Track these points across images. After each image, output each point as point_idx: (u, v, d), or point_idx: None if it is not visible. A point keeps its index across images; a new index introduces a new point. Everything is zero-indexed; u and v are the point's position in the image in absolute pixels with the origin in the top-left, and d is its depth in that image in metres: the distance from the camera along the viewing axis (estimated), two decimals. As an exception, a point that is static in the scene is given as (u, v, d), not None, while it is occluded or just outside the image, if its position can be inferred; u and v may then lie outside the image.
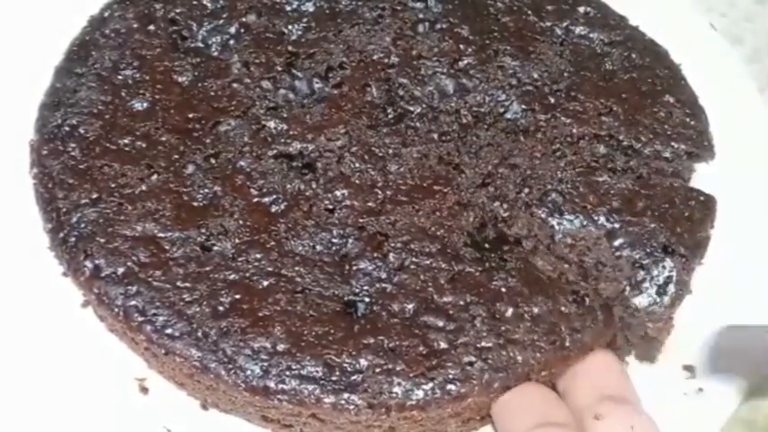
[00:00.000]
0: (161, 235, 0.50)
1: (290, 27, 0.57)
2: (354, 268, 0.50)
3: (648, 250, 0.50)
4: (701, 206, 0.52)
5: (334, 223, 0.51)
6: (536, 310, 0.49)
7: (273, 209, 0.51)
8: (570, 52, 0.57)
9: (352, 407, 0.47)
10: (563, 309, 0.49)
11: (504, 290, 0.49)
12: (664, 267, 0.50)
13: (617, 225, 0.50)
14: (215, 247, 0.50)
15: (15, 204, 0.53)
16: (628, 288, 0.49)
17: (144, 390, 0.51)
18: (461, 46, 0.57)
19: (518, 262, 0.50)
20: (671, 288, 0.49)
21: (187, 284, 0.49)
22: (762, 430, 0.52)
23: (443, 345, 0.48)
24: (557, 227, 0.51)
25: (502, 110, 0.55)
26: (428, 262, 0.50)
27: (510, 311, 0.49)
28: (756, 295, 0.53)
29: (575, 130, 0.54)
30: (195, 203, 0.51)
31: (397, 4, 0.58)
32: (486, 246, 0.51)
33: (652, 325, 0.49)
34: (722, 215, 0.53)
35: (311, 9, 0.57)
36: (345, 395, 0.47)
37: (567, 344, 0.49)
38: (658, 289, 0.49)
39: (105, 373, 0.51)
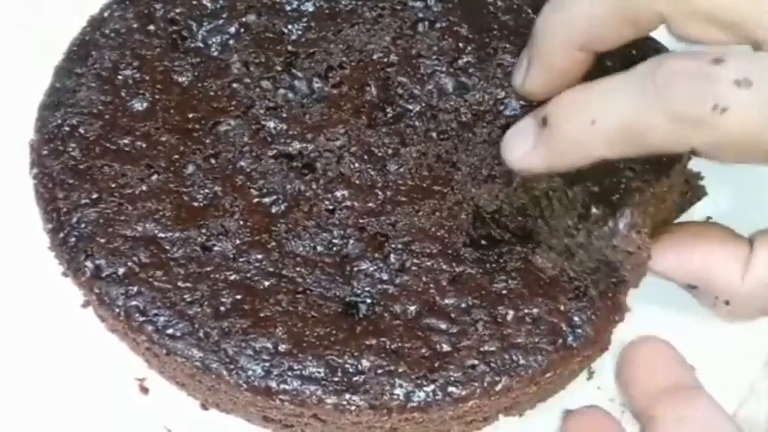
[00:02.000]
0: (161, 235, 0.50)
1: (289, 27, 0.57)
2: (355, 269, 0.50)
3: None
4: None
5: (334, 224, 0.51)
6: (536, 311, 0.49)
7: (274, 209, 0.51)
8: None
9: (353, 407, 0.47)
10: (562, 307, 0.49)
11: (504, 292, 0.49)
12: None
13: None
14: (216, 248, 0.50)
15: (15, 204, 0.54)
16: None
17: (144, 390, 0.51)
18: (461, 44, 0.56)
19: (518, 262, 0.50)
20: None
21: (188, 285, 0.49)
22: None
23: (446, 347, 0.48)
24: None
25: (501, 107, 0.55)
26: (429, 263, 0.50)
27: (511, 314, 0.49)
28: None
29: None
30: (195, 204, 0.51)
31: (397, 3, 0.58)
32: (484, 243, 0.51)
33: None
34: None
35: (311, 9, 0.57)
36: (347, 396, 0.47)
37: (570, 342, 0.49)
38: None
39: (105, 373, 0.51)
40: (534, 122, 0.47)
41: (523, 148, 0.47)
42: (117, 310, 0.49)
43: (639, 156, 0.44)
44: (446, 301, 0.49)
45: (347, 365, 0.47)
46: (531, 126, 0.47)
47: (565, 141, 0.45)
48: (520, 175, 0.50)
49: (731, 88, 0.40)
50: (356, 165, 0.53)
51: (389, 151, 0.53)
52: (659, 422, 0.47)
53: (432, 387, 0.47)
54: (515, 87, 0.53)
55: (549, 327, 0.49)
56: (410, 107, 0.55)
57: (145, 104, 0.54)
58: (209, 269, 0.50)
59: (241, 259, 0.50)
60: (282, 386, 0.47)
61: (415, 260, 0.50)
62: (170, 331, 0.48)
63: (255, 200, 0.51)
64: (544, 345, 0.48)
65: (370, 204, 0.52)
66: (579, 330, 0.49)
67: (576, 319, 0.49)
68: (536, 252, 0.51)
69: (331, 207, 0.51)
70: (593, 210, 0.47)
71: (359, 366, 0.47)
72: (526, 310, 0.49)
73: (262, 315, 0.48)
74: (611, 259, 0.48)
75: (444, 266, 0.50)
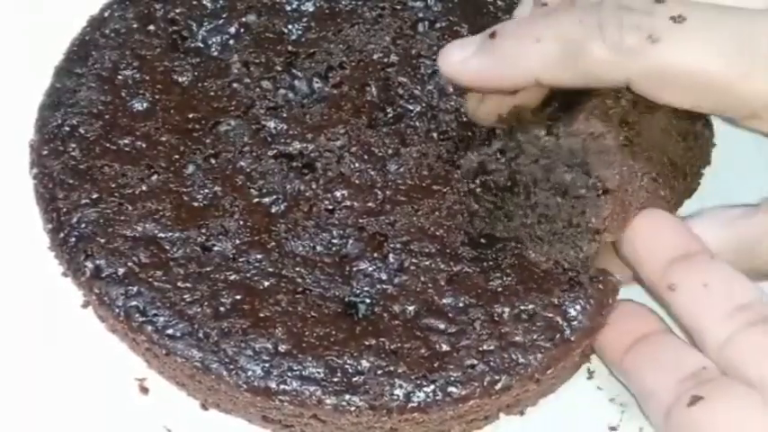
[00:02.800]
0: (161, 235, 0.50)
1: (289, 27, 0.57)
2: (355, 269, 0.50)
3: None
4: None
5: (334, 224, 0.51)
6: (531, 307, 0.49)
7: (274, 209, 0.51)
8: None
9: (353, 408, 0.47)
10: (556, 300, 0.49)
11: (500, 289, 0.49)
12: None
13: None
14: (215, 248, 0.50)
15: (15, 204, 0.53)
16: None
17: (144, 390, 0.51)
18: (461, 45, 0.56)
19: (512, 258, 0.50)
20: None
21: (188, 285, 0.49)
22: None
23: (445, 347, 0.48)
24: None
25: None
26: (428, 262, 0.50)
27: (507, 312, 0.49)
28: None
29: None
30: (195, 204, 0.51)
31: (397, 3, 0.58)
32: (482, 241, 0.51)
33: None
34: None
35: (311, 9, 0.57)
36: (347, 396, 0.47)
37: (567, 335, 0.49)
38: None
39: (105, 373, 0.51)
40: (481, 37, 0.48)
41: (463, 54, 0.48)
42: (117, 310, 0.49)
43: (575, 85, 0.47)
44: (444, 300, 0.49)
45: (347, 366, 0.47)
46: (477, 38, 0.49)
47: (507, 53, 0.47)
48: (449, 82, 0.52)
49: (666, 22, 0.44)
50: (356, 165, 0.53)
51: (390, 151, 0.53)
52: (682, 290, 0.47)
53: (431, 387, 0.47)
54: (469, 113, 0.53)
55: (546, 323, 0.49)
56: (410, 107, 0.55)
57: (145, 104, 0.54)
58: (208, 269, 0.50)
59: (241, 259, 0.50)
60: (282, 386, 0.47)
61: (413, 260, 0.50)
62: (170, 331, 0.48)
63: (255, 200, 0.51)
64: (542, 342, 0.48)
65: (370, 204, 0.52)
66: (575, 323, 0.49)
67: (570, 311, 0.49)
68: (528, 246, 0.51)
69: (331, 207, 0.51)
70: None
71: (358, 367, 0.47)
72: (522, 307, 0.49)
73: (261, 315, 0.48)
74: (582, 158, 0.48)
75: (442, 266, 0.50)
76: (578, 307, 0.49)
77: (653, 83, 0.45)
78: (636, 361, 0.48)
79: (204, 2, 0.57)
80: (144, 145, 0.53)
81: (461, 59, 0.48)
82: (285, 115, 0.54)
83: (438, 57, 0.50)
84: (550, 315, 0.49)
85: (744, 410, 0.44)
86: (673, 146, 0.51)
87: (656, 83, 0.45)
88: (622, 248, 0.49)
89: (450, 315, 0.49)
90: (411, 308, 0.49)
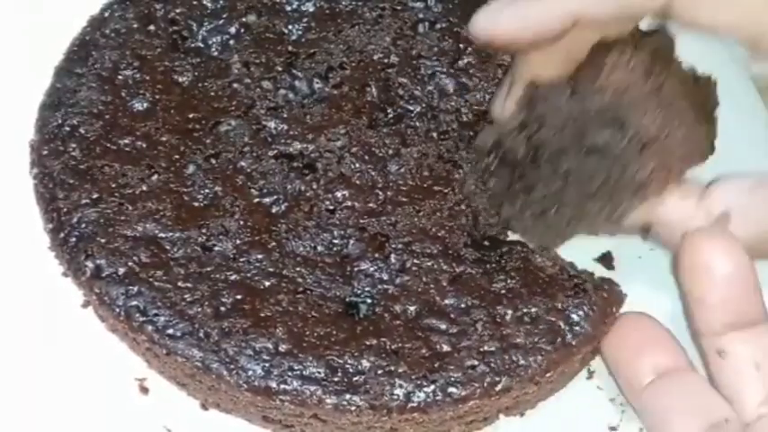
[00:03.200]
0: (162, 235, 0.50)
1: (290, 27, 0.57)
2: (356, 269, 0.50)
3: None
4: None
5: (335, 224, 0.51)
6: (534, 310, 0.49)
7: (274, 209, 0.51)
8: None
9: (353, 408, 0.47)
10: (560, 305, 0.49)
11: (503, 292, 0.49)
12: None
13: None
14: (216, 248, 0.50)
15: (15, 204, 0.53)
16: None
17: (144, 390, 0.51)
18: (461, 45, 0.57)
19: (518, 261, 0.51)
20: None
21: (188, 285, 0.49)
22: None
23: (446, 348, 0.48)
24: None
25: None
26: (430, 263, 0.50)
27: (509, 314, 0.49)
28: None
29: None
30: (196, 204, 0.51)
31: (397, 3, 0.58)
32: (486, 243, 0.51)
33: None
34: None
35: (311, 9, 0.57)
36: (347, 396, 0.47)
37: (569, 340, 0.49)
38: None
39: (105, 373, 0.51)
40: None
41: (497, 10, 0.46)
42: (117, 310, 0.49)
43: (615, 16, 0.46)
44: (446, 301, 0.49)
45: (347, 366, 0.47)
46: None
47: None
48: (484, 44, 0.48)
49: None
50: (357, 165, 0.53)
51: (390, 152, 0.53)
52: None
53: (432, 387, 0.47)
54: (494, 116, 0.52)
55: (548, 326, 0.49)
56: (411, 108, 0.55)
57: (145, 104, 0.54)
58: (209, 269, 0.50)
59: (241, 259, 0.50)
60: (283, 386, 0.47)
61: (415, 260, 0.50)
62: (170, 331, 0.48)
63: (256, 200, 0.51)
64: (543, 344, 0.48)
65: (371, 204, 0.52)
66: (577, 328, 0.49)
67: (573, 317, 0.49)
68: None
69: (331, 207, 0.51)
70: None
71: (359, 366, 0.47)
72: (525, 310, 0.49)
73: (262, 315, 0.48)
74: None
75: (445, 267, 0.50)
76: (582, 313, 0.49)
77: (696, 6, 0.44)
78: (658, 398, 0.47)
79: (204, 2, 0.57)
80: (144, 145, 0.53)
81: (495, 16, 0.46)
82: (285, 115, 0.54)
83: (470, 24, 0.47)
84: (553, 319, 0.49)
85: None
86: (692, 93, 0.50)
87: (701, 5, 0.44)
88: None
89: (451, 316, 0.49)
90: (412, 308, 0.49)
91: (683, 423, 0.45)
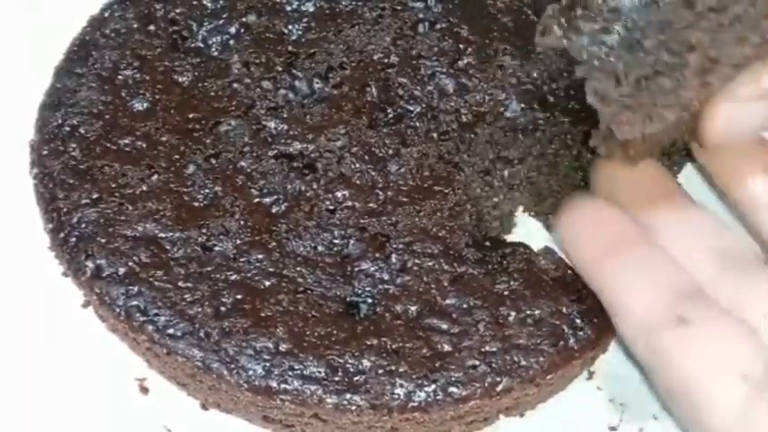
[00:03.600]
0: (162, 235, 0.50)
1: (290, 27, 0.57)
2: (356, 269, 0.50)
3: None
4: None
5: (335, 224, 0.51)
6: (538, 312, 0.49)
7: (274, 209, 0.51)
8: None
9: (354, 407, 0.47)
10: (564, 309, 0.49)
11: (506, 293, 0.49)
12: None
13: None
14: (216, 248, 0.50)
15: (15, 204, 0.53)
16: None
17: (144, 390, 0.51)
18: (461, 45, 0.56)
19: (521, 263, 0.51)
20: None
21: (189, 285, 0.49)
22: None
23: (447, 348, 0.48)
24: None
25: (502, 108, 0.55)
26: (431, 263, 0.50)
27: (512, 316, 0.49)
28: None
29: (573, 129, 0.54)
30: (196, 204, 0.51)
31: (397, 3, 0.58)
32: (488, 244, 0.51)
33: None
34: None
35: (311, 9, 0.57)
36: (348, 396, 0.47)
37: (571, 344, 0.49)
38: None
39: (105, 373, 0.51)
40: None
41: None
42: (117, 309, 0.49)
43: None
44: (447, 301, 0.49)
45: (348, 365, 0.47)
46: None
47: None
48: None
49: None
50: (357, 165, 0.53)
51: (390, 152, 0.53)
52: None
53: (432, 387, 0.47)
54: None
55: (551, 328, 0.49)
56: (411, 108, 0.55)
57: (145, 104, 0.54)
58: (209, 269, 0.50)
59: (242, 259, 0.50)
60: (283, 386, 0.47)
61: (416, 260, 0.50)
62: (171, 331, 0.48)
63: (256, 200, 0.51)
64: (545, 346, 0.48)
65: (371, 204, 0.52)
66: (581, 333, 0.49)
67: (577, 321, 0.49)
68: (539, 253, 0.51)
69: (332, 207, 0.51)
70: None
71: (360, 366, 0.47)
72: (528, 312, 0.49)
73: (262, 315, 0.48)
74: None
75: (446, 267, 0.50)
76: (585, 319, 0.49)
77: None
78: (617, 269, 0.46)
79: (204, 2, 0.57)
80: (144, 145, 0.53)
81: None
82: (285, 115, 0.54)
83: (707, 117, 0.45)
84: (557, 322, 0.49)
85: (732, 344, 0.43)
86: None
87: None
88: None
89: (453, 315, 0.49)
90: (413, 308, 0.49)
91: (642, 296, 0.45)
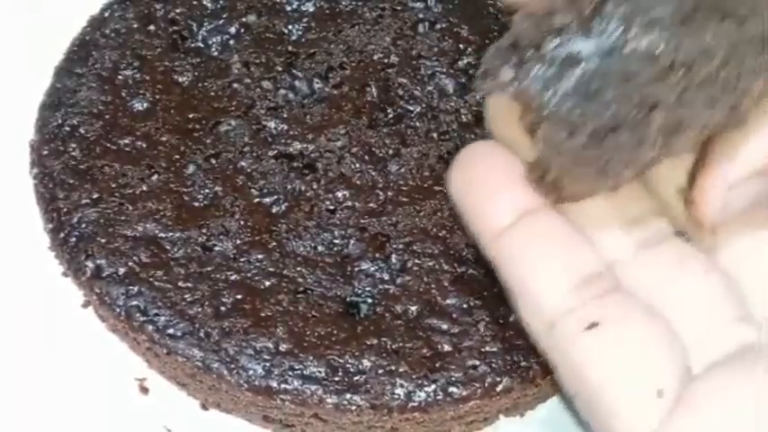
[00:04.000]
0: (162, 235, 0.51)
1: (290, 27, 0.57)
2: (356, 269, 0.50)
3: None
4: None
5: (335, 224, 0.51)
6: None
7: (274, 209, 0.51)
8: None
9: (354, 407, 0.47)
10: None
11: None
12: None
13: None
14: (216, 248, 0.50)
15: (15, 204, 0.53)
16: None
17: (144, 390, 0.51)
18: (461, 45, 0.57)
19: None
20: None
21: (189, 285, 0.49)
22: None
23: (447, 348, 0.48)
24: None
25: None
26: (431, 263, 0.50)
27: (513, 316, 0.49)
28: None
29: None
30: (196, 204, 0.51)
31: (397, 4, 0.58)
32: None
33: None
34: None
35: (311, 9, 0.57)
36: (348, 395, 0.47)
37: None
38: None
39: (105, 373, 0.51)
40: None
41: None
42: (117, 309, 0.49)
43: None
44: (448, 301, 0.49)
45: (348, 365, 0.47)
46: None
47: None
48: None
49: None
50: (357, 165, 0.53)
51: (390, 152, 0.53)
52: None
53: (432, 387, 0.47)
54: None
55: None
56: (411, 108, 0.55)
57: (145, 104, 0.54)
58: (209, 269, 0.50)
59: (242, 259, 0.50)
60: (283, 386, 0.47)
61: (416, 260, 0.50)
62: (171, 331, 0.48)
63: (256, 200, 0.51)
64: None
65: (371, 205, 0.52)
66: None
67: None
68: None
69: (332, 207, 0.51)
70: None
71: (360, 366, 0.47)
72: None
73: (262, 315, 0.48)
74: None
75: (446, 267, 0.50)
76: None
77: None
78: (519, 246, 0.40)
79: (204, 2, 0.57)
80: (144, 145, 0.53)
81: None
82: (285, 115, 0.54)
83: None
84: None
85: (647, 353, 0.38)
86: None
87: None
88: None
89: (453, 316, 0.49)
90: (413, 308, 0.49)
91: (550, 277, 0.39)
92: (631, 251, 0.41)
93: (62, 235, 0.51)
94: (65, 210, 0.51)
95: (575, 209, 0.41)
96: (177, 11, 0.57)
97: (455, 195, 0.42)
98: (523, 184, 0.40)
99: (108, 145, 0.53)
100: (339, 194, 0.52)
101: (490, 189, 0.41)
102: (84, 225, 0.51)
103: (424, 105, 0.55)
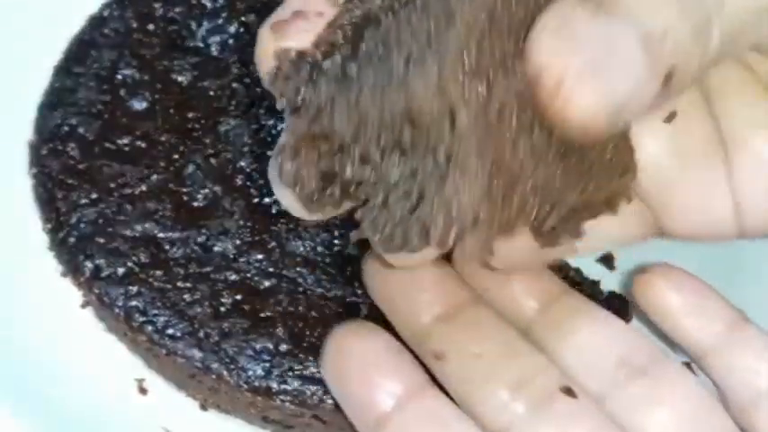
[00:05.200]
0: (161, 235, 0.50)
1: (289, 27, 0.56)
2: (357, 269, 0.50)
3: None
4: None
5: (335, 224, 0.51)
6: None
7: (274, 209, 0.51)
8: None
9: (354, 408, 0.47)
10: None
11: None
12: None
13: None
14: (216, 248, 0.50)
15: (15, 204, 0.53)
16: None
17: (143, 390, 0.51)
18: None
19: None
20: None
21: (188, 285, 0.49)
22: None
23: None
24: None
25: None
26: (431, 263, 0.50)
27: None
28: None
29: None
30: (195, 203, 0.51)
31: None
32: None
33: None
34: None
35: (311, 9, 0.57)
36: (348, 396, 0.47)
37: None
38: None
39: (104, 373, 0.51)
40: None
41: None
42: (117, 310, 0.49)
43: None
44: (447, 301, 0.49)
45: (348, 366, 0.47)
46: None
47: None
48: None
49: None
50: (356, 165, 0.53)
51: (390, 151, 0.53)
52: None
53: (433, 388, 0.47)
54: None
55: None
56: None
57: (144, 104, 0.54)
58: (209, 269, 0.50)
59: (241, 259, 0.50)
60: (283, 386, 0.47)
61: (416, 260, 0.50)
62: (170, 331, 0.48)
63: (256, 200, 0.51)
64: None
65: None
66: None
67: None
68: None
69: (332, 207, 0.51)
70: None
71: (360, 367, 0.47)
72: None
73: (262, 315, 0.48)
74: None
75: (446, 267, 0.50)
76: None
77: None
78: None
79: (204, 1, 0.57)
80: (143, 145, 0.53)
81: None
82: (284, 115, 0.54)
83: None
84: None
85: None
86: None
87: None
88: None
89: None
90: (414, 308, 0.49)
91: None
92: (522, 413, 0.40)
93: (61, 235, 0.51)
94: (64, 210, 0.51)
95: (456, 377, 0.41)
96: (176, 10, 0.57)
97: (330, 384, 0.43)
98: (399, 365, 0.41)
99: (107, 145, 0.53)
100: (339, 194, 0.52)
101: (365, 377, 0.41)
102: (82, 225, 0.51)
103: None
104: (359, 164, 0.34)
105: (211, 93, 0.54)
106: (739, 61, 0.38)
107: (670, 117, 0.38)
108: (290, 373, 0.47)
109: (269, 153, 0.52)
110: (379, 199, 0.34)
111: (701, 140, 0.39)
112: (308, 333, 0.48)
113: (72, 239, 0.50)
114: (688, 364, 0.45)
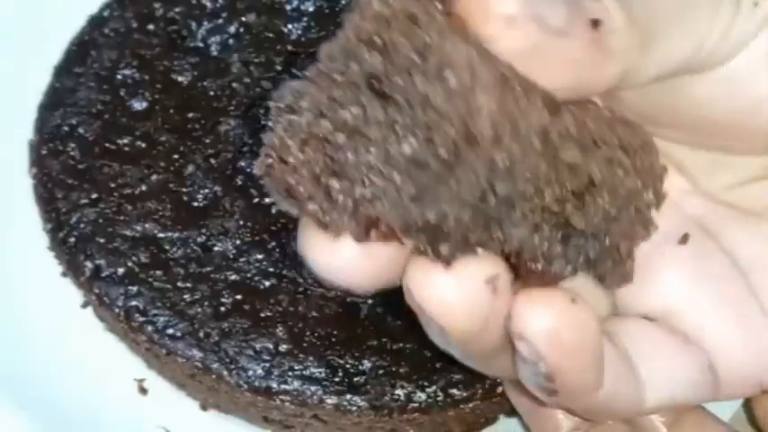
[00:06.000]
0: (161, 235, 0.50)
1: (289, 26, 0.56)
2: (356, 270, 0.50)
3: None
4: None
5: (335, 224, 0.51)
6: None
7: (274, 209, 0.51)
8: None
9: (354, 408, 0.47)
10: None
11: None
12: None
13: None
14: (216, 248, 0.50)
15: (15, 204, 0.53)
16: None
17: (143, 390, 0.51)
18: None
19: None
20: None
21: (188, 285, 0.49)
22: None
23: (448, 348, 0.48)
24: None
25: None
26: (431, 263, 0.50)
27: None
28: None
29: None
30: (195, 204, 0.51)
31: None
32: None
33: None
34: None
35: (311, 8, 0.57)
36: (348, 396, 0.47)
37: None
38: None
39: (104, 373, 0.51)
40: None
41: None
42: (117, 310, 0.49)
43: None
44: (448, 301, 0.49)
45: (348, 366, 0.47)
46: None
47: None
48: None
49: None
50: (356, 165, 0.53)
51: (390, 151, 0.53)
52: None
53: (433, 388, 0.47)
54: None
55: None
56: (410, 106, 0.55)
57: (144, 104, 0.54)
58: (209, 269, 0.50)
59: (241, 259, 0.50)
60: (283, 386, 0.47)
61: (416, 260, 0.50)
62: (170, 331, 0.48)
63: (256, 200, 0.51)
64: None
65: (371, 204, 0.51)
66: None
67: None
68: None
69: (331, 207, 0.51)
70: None
71: (360, 367, 0.47)
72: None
73: (262, 315, 0.48)
74: None
75: (446, 267, 0.50)
76: None
77: None
78: None
79: (204, 1, 0.57)
80: (143, 145, 0.53)
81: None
82: (285, 115, 0.54)
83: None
84: None
85: None
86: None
87: None
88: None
89: (453, 316, 0.49)
90: (414, 308, 0.49)
91: None
92: None
93: (61, 235, 0.51)
94: (64, 210, 0.51)
95: None
96: (176, 10, 0.57)
97: None
98: None
99: (107, 145, 0.53)
100: (338, 194, 0.52)
101: None
102: (83, 225, 0.51)
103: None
104: None
105: (211, 93, 0.54)
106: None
107: (684, 239, 0.37)
108: (290, 373, 0.47)
109: (269, 153, 0.53)
110: None
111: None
112: (308, 333, 0.48)
113: (72, 239, 0.50)
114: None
